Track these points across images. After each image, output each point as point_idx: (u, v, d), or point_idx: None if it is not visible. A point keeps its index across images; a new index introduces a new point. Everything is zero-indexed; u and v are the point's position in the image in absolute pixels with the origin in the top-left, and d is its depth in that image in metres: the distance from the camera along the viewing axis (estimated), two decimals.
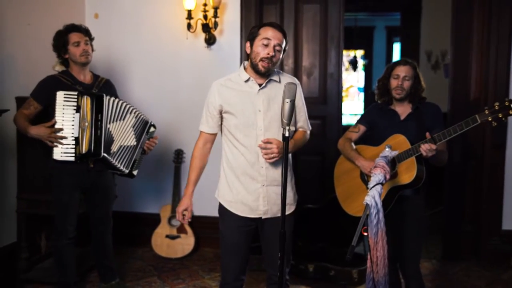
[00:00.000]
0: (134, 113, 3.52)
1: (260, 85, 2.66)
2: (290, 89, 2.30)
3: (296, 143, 2.77)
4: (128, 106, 3.50)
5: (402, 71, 3.08)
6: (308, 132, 2.90)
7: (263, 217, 2.71)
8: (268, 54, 2.57)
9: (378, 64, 12.41)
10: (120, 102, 3.47)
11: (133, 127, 3.51)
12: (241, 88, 2.68)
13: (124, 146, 3.47)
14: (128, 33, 4.89)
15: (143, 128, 3.56)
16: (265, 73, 2.62)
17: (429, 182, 3.06)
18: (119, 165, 3.45)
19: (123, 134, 3.47)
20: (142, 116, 3.55)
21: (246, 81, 2.67)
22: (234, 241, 2.76)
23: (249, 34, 2.70)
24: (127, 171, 3.51)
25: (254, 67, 2.63)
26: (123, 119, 3.47)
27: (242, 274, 2.82)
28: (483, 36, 4.43)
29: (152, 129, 3.63)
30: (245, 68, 2.71)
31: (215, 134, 2.80)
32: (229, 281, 2.80)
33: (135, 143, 3.51)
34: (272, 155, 2.56)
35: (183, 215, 2.81)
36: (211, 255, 4.72)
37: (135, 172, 3.62)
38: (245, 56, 2.73)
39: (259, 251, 2.96)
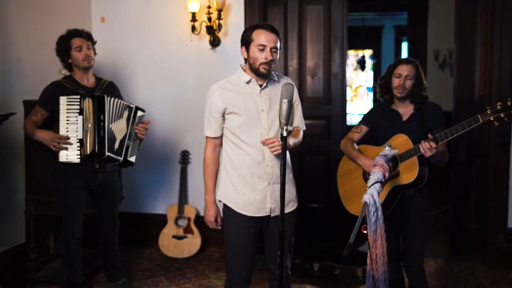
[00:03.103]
0: (127, 106, 3.55)
1: (260, 85, 2.71)
2: (287, 90, 2.35)
3: (295, 143, 2.81)
4: (123, 103, 3.54)
5: (404, 70, 3.09)
6: (302, 131, 2.93)
7: (271, 215, 2.73)
8: (266, 58, 2.63)
9: (387, 64, 12.26)
10: (119, 101, 3.51)
11: (127, 119, 3.55)
12: (243, 89, 2.72)
13: (121, 139, 3.51)
14: (134, 36, 4.95)
15: (129, 113, 3.56)
16: (266, 74, 2.68)
17: (432, 182, 3.08)
18: (114, 156, 3.47)
19: (121, 130, 3.51)
20: (127, 104, 3.55)
21: (248, 82, 2.71)
22: (242, 243, 2.77)
23: (242, 38, 2.72)
24: (121, 158, 3.51)
25: (255, 71, 2.67)
26: (122, 117, 3.52)
27: (249, 277, 2.83)
28: (486, 35, 4.43)
29: (139, 113, 3.63)
30: (243, 70, 2.75)
31: (221, 137, 2.80)
32: (236, 281, 2.79)
33: (126, 130, 3.53)
34: (277, 148, 2.58)
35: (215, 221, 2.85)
36: (217, 255, 4.76)
37: (132, 159, 3.62)
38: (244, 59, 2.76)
39: (263, 250, 2.99)
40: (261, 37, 2.62)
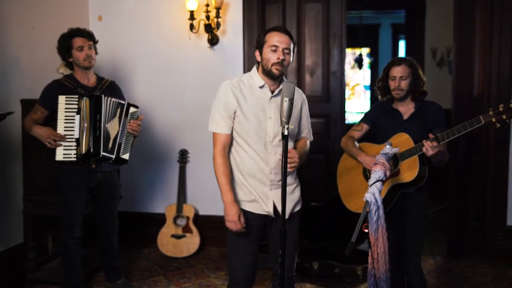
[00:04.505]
0: (119, 103, 3.52)
1: (272, 92, 2.69)
2: (288, 88, 2.32)
3: (302, 154, 2.77)
4: (116, 101, 3.51)
5: (397, 71, 3.09)
6: (308, 142, 2.92)
7: (273, 215, 2.72)
8: (278, 58, 2.61)
9: (384, 62, 12.19)
10: (114, 100, 3.48)
11: (119, 116, 3.51)
12: (254, 93, 2.69)
13: (114, 137, 3.48)
14: (131, 35, 4.93)
15: (121, 110, 3.52)
16: (279, 76, 2.65)
17: (432, 181, 3.07)
18: (108, 155, 3.45)
19: (115, 128, 3.48)
20: (119, 101, 3.51)
21: (261, 87, 2.69)
22: (245, 240, 2.75)
23: (256, 42, 2.72)
24: (113, 156, 3.48)
25: (268, 73, 2.65)
26: (116, 115, 3.50)
27: (252, 278, 2.80)
28: (485, 33, 4.43)
29: (132, 109, 3.57)
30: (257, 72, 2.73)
31: (230, 134, 2.73)
32: (239, 282, 2.77)
33: (118, 128, 3.50)
34: (293, 164, 2.61)
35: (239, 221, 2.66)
36: (216, 254, 4.75)
37: (125, 156, 3.56)
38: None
39: (265, 249, 2.98)
40: (274, 38, 2.62)
